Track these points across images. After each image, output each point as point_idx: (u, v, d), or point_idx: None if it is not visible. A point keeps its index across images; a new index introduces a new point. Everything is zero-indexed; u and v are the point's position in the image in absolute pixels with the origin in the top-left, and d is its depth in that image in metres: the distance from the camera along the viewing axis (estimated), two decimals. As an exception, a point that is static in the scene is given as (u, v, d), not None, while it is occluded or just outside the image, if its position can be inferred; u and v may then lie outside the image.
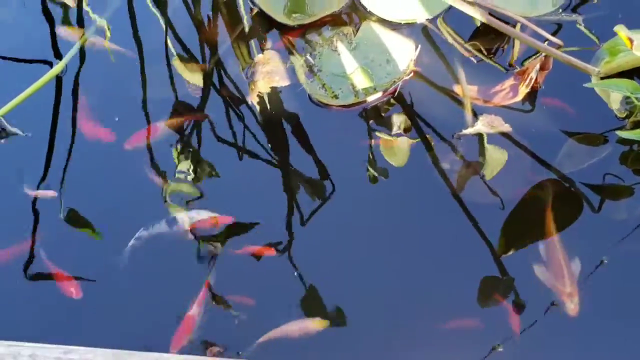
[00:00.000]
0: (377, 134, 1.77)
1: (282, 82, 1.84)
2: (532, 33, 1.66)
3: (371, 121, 1.78)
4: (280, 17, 1.90)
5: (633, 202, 1.65)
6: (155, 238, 1.66)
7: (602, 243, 1.60)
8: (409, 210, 1.68)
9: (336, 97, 1.79)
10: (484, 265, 1.61)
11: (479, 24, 1.86)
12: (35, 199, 1.75)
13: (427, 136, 1.75)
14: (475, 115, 1.76)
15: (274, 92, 1.83)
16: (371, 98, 1.79)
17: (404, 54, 1.82)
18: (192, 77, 1.88)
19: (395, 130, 1.77)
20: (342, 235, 1.66)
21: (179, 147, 1.80)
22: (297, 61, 1.85)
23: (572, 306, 1.54)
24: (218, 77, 1.89)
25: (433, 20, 1.87)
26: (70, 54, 1.88)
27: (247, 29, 1.93)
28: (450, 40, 1.85)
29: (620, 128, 1.70)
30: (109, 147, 1.80)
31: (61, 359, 1.39)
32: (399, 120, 1.78)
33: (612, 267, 1.58)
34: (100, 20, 1.96)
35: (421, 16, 1.87)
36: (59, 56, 1.94)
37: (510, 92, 1.78)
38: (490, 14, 1.74)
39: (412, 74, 1.81)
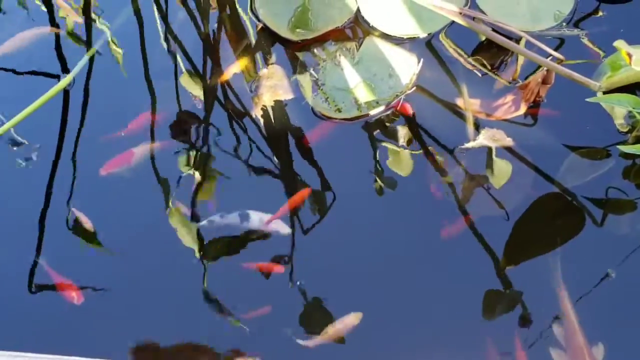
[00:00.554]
0: (382, 144, 1.78)
1: (286, 95, 1.85)
2: (534, 48, 1.67)
3: (374, 134, 1.79)
4: (285, 32, 1.92)
5: (636, 216, 1.65)
6: (227, 227, 1.70)
7: (605, 257, 1.60)
8: (411, 222, 1.69)
9: (339, 110, 1.81)
10: (488, 278, 1.61)
11: (482, 39, 1.87)
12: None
13: (430, 149, 1.76)
14: (478, 128, 1.76)
15: (278, 105, 1.85)
16: (374, 112, 1.80)
17: (407, 68, 1.83)
18: (197, 91, 1.90)
19: (398, 142, 1.78)
20: (344, 246, 1.67)
21: (184, 158, 1.82)
22: (301, 75, 1.87)
23: None
24: (222, 91, 1.91)
25: (435, 35, 1.88)
26: (77, 68, 1.91)
27: (251, 44, 1.95)
28: (452, 54, 1.86)
29: (623, 142, 1.71)
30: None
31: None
32: (402, 133, 1.79)
33: (615, 281, 1.58)
34: (107, 34, 1.98)
35: (424, 31, 1.88)
36: (66, 70, 1.97)
37: (513, 105, 1.78)
38: (493, 29, 1.76)
39: (414, 88, 1.82)
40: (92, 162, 1.82)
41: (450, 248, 1.65)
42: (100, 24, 2.01)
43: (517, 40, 1.76)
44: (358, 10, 1.92)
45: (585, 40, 1.84)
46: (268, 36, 1.94)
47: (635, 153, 1.64)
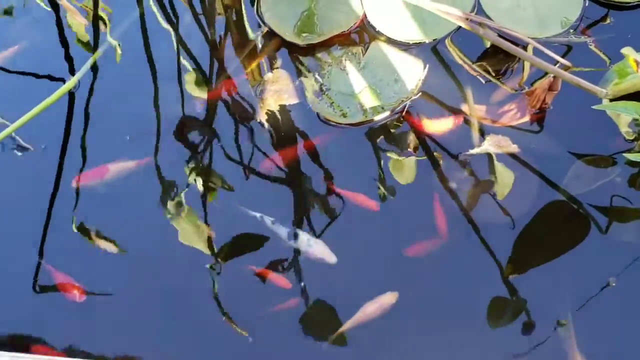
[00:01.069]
0: (386, 152, 1.77)
1: (291, 100, 1.85)
2: (541, 54, 1.67)
3: (379, 139, 1.79)
4: (290, 37, 1.92)
5: (641, 224, 1.64)
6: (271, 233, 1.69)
7: (610, 265, 1.59)
8: (415, 227, 1.68)
9: (344, 115, 1.80)
10: (493, 285, 1.60)
11: (488, 45, 1.86)
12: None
13: (435, 154, 1.76)
14: (483, 135, 1.76)
15: (283, 110, 1.85)
16: (379, 117, 1.80)
17: (412, 73, 1.83)
18: (202, 95, 1.90)
19: (403, 148, 1.77)
20: (350, 252, 1.67)
21: (189, 163, 1.82)
22: (306, 80, 1.86)
23: None
24: (227, 94, 1.91)
25: (441, 41, 1.88)
26: (82, 70, 1.91)
27: (257, 48, 1.95)
28: (458, 60, 1.86)
29: (629, 150, 1.70)
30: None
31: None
32: (406, 139, 1.79)
33: (619, 289, 1.57)
34: (112, 37, 1.99)
35: (430, 36, 1.88)
36: (72, 72, 1.97)
37: (519, 112, 1.78)
38: (499, 35, 1.75)
39: (420, 94, 1.82)
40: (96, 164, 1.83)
41: (455, 254, 1.64)
42: (106, 27, 2.01)
43: (524, 46, 1.75)
44: (364, 15, 1.92)
45: (592, 47, 1.83)
46: (273, 40, 1.94)
47: (641, 161, 1.64)
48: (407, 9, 1.90)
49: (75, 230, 1.75)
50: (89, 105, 1.91)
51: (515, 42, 1.72)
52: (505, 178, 1.71)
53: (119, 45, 1.98)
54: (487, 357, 1.54)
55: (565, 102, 1.76)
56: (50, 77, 1.97)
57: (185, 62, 1.95)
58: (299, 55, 1.91)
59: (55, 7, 2.07)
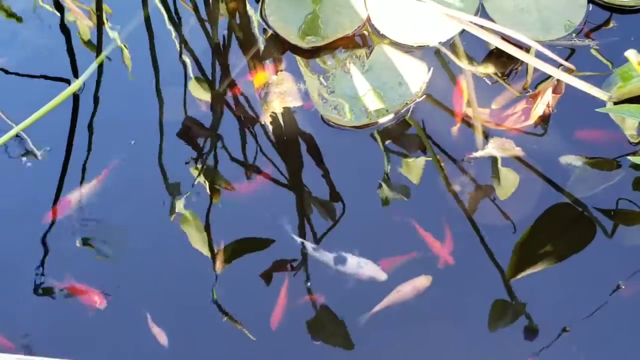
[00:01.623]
0: (391, 152, 1.77)
1: (295, 102, 1.85)
2: (545, 57, 1.67)
3: (383, 142, 1.79)
4: (294, 40, 1.92)
5: (646, 227, 1.64)
6: (316, 262, 1.66)
7: (615, 269, 1.59)
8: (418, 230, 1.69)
9: (349, 118, 1.81)
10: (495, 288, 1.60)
11: (492, 48, 1.87)
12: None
13: (439, 157, 1.76)
14: (487, 137, 1.76)
15: (287, 112, 1.85)
16: (383, 119, 1.80)
17: (416, 76, 1.83)
18: (207, 97, 1.91)
19: (407, 151, 1.77)
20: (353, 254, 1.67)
21: (194, 165, 1.82)
22: (311, 82, 1.87)
23: None
24: (232, 97, 1.91)
25: (445, 44, 1.88)
26: (87, 72, 1.91)
27: (261, 51, 1.95)
28: (462, 63, 1.86)
29: (634, 153, 1.70)
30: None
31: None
32: (410, 141, 1.79)
33: (626, 292, 1.56)
34: (117, 40, 1.99)
35: (434, 39, 1.88)
36: (76, 74, 1.97)
37: (522, 115, 1.78)
38: (503, 38, 1.75)
39: (424, 97, 1.82)
40: (98, 168, 1.83)
41: (458, 257, 1.64)
42: (111, 30, 2.02)
43: (527, 49, 1.76)
44: (368, 18, 1.92)
45: (595, 51, 1.83)
46: (278, 43, 1.94)
47: (645, 164, 1.64)
48: (410, 12, 1.91)
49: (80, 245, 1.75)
50: (93, 107, 1.92)
51: (518, 45, 1.73)
52: (509, 180, 1.71)
53: (126, 47, 1.98)
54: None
55: (569, 105, 1.76)
56: (55, 79, 1.98)
57: (189, 65, 1.95)
58: (303, 58, 1.91)
59: (60, 9, 2.07)
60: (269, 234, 1.70)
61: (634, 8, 1.87)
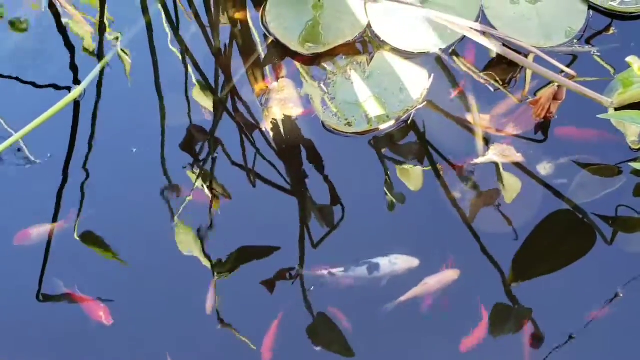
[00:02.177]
0: (392, 159, 1.78)
1: (296, 109, 1.86)
2: (546, 63, 1.67)
3: (384, 149, 1.79)
4: (295, 46, 1.92)
5: (647, 234, 1.64)
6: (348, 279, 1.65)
7: (615, 276, 1.59)
8: (420, 235, 1.69)
9: (350, 124, 1.81)
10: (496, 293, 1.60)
11: (493, 55, 1.87)
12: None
13: (439, 164, 1.76)
14: (488, 144, 1.76)
15: (288, 119, 1.85)
16: (384, 126, 1.80)
17: (417, 83, 1.83)
18: (208, 104, 1.91)
19: (408, 157, 1.77)
20: (353, 259, 1.67)
21: (194, 171, 1.82)
22: (312, 89, 1.87)
23: None
24: (233, 104, 1.91)
25: (446, 50, 1.88)
26: (88, 79, 1.91)
27: (262, 58, 1.95)
28: (463, 69, 1.86)
29: (635, 159, 1.70)
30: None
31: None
32: (412, 148, 1.79)
33: (626, 300, 1.56)
34: (118, 46, 2.00)
35: (434, 46, 1.88)
36: (77, 81, 1.98)
37: (523, 121, 1.78)
38: (504, 44, 1.76)
39: (425, 103, 1.82)
40: (100, 173, 1.83)
41: (459, 263, 1.64)
42: (112, 36, 2.02)
43: (527, 55, 1.76)
44: (369, 24, 1.92)
45: (596, 57, 1.83)
46: (278, 50, 1.94)
47: (647, 171, 1.64)
48: (411, 19, 1.91)
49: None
50: (94, 114, 1.92)
51: (519, 51, 1.73)
52: (511, 186, 1.71)
53: (127, 53, 1.99)
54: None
55: (570, 112, 1.76)
56: (56, 86, 1.98)
57: (191, 72, 1.95)
58: (304, 64, 1.92)
59: (61, 15, 2.07)
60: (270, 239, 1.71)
61: (634, 14, 1.88)
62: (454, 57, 1.88)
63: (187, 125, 1.88)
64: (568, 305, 1.58)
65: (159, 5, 2.03)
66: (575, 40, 1.85)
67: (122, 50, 1.99)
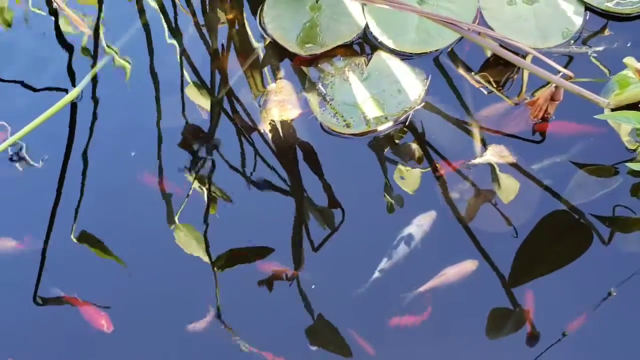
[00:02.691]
0: (390, 160, 1.78)
1: (294, 110, 1.86)
2: (543, 64, 1.68)
3: (382, 149, 1.80)
4: (293, 47, 1.92)
5: (644, 234, 1.65)
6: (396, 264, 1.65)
7: (612, 276, 1.60)
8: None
9: (348, 125, 1.81)
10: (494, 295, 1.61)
11: (490, 55, 1.87)
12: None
13: (437, 165, 1.76)
14: (485, 144, 1.77)
15: (286, 120, 1.85)
16: (382, 127, 1.80)
17: (415, 84, 1.84)
18: (206, 105, 1.90)
19: (406, 158, 1.78)
20: (352, 262, 1.67)
21: (192, 173, 1.82)
22: (310, 90, 1.87)
23: None
24: (230, 105, 1.91)
25: (444, 51, 1.89)
26: (85, 81, 1.91)
27: (260, 59, 1.95)
28: (460, 71, 1.87)
29: (631, 160, 1.71)
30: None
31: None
32: (410, 149, 1.79)
33: (621, 300, 1.57)
34: (116, 48, 1.99)
35: (432, 47, 1.89)
36: (74, 83, 1.97)
37: (521, 122, 1.79)
38: (501, 45, 1.76)
39: (423, 104, 1.82)
40: (98, 175, 1.83)
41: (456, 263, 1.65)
42: (109, 37, 2.01)
43: (524, 56, 1.76)
44: (366, 26, 1.93)
45: (593, 58, 1.84)
46: (276, 51, 1.94)
47: (643, 171, 1.65)
48: (408, 20, 1.91)
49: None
50: (92, 115, 1.92)
51: (517, 52, 1.74)
52: (508, 187, 1.72)
53: (118, 55, 1.98)
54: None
55: (567, 112, 1.77)
56: (52, 88, 1.97)
57: (188, 73, 1.95)
58: (302, 66, 1.92)
59: (58, 17, 2.07)
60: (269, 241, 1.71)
61: (631, 15, 1.89)
62: (452, 58, 1.88)
63: (183, 126, 1.88)
64: (565, 305, 1.59)
65: (156, 7, 2.02)
66: (572, 41, 1.86)
67: (120, 52, 1.98)
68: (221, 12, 2.02)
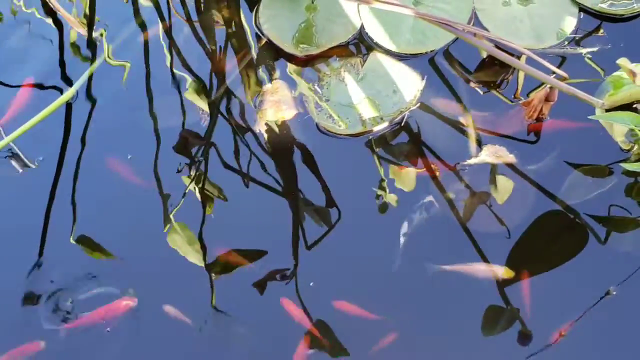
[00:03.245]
0: (385, 160, 1.78)
1: (290, 111, 1.86)
2: (538, 65, 1.68)
3: (378, 150, 1.80)
4: (289, 48, 1.92)
5: (638, 234, 1.65)
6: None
7: (608, 275, 1.60)
8: (414, 237, 1.69)
9: (344, 126, 1.81)
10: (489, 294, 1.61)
11: (485, 56, 1.88)
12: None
13: (433, 165, 1.77)
14: (480, 145, 1.77)
15: (282, 120, 1.85)
16: (378, 127, 1.81)
17: (411, 84, 1.84)
18: (202, 106, 1.90)
19: (401, 159, 1.78)
20: (347, 261, 1.67)
21: (188, 173, 1.81)
22: (305, 91, 1.87)
23: None
24: (226, 105, 1.91)
25: (439, 52, 1.89)
26: (80, 81, 1.91)
27: (255, 59, 1.95)
28: (456, 71, 1.88)
29: (625, 160, 1.72)
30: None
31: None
32: (405, 149, 1.80)
33: (618, 299, 1.58)
34: (111, 48, 1.99)
35: (427, 48, 1.89)
36: (69, 83, 1.96)
37: (516, 122, 1.79)
38: (496, 46, 1.77)
39: (418, 105, 1.83)
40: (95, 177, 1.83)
41: (453, 263, 1.65)
42: (104, 37, 2.01)
43: (518, 57, 1.77)
44: (362, 26, 1.93)
45: (587, 59, 1.85)
46: (272, 51, 1.94)
47: (637, 171, 1.65)
48: (404, 21, 1.92)
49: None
50: (87, 115, 1.91)
51: (511, 53, 1.74)
52: (503, 187, 1.72)
53: (118, 56, 1.98)
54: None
55: (562, 112, 1.78)
56: (48, 88, 1.97)
57: (184, 74, 1.95)
58: (297, 66, 1.92)
59: (53, 17, 2.06)
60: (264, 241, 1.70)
61: (624, 16, 1.90)
62: (447, 59, 1.89)
63: (179, 127, 1.88)
64: (562, 305, 1.59)
65: (152, 7, 2.02)
66: (566, 42, 1.87)
67: (114, 52, 1.98)
68: (217, 12, 2.02)
